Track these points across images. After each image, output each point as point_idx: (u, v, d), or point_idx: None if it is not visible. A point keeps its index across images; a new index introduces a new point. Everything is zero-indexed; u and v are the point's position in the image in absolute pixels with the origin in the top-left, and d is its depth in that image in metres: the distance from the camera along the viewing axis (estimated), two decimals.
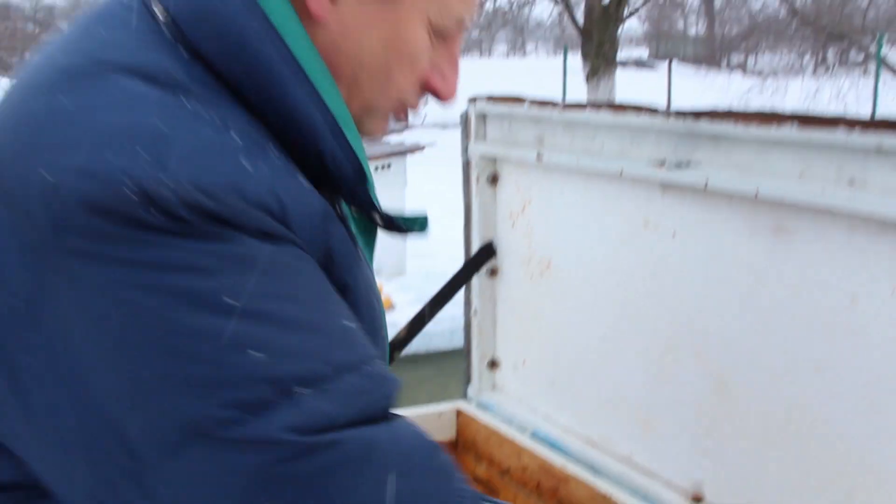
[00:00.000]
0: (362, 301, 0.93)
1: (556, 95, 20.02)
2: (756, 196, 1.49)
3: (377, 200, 0.97)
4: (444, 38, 0.98)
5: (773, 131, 1.45)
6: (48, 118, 0.79)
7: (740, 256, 1.58)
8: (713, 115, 1.56)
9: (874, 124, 1.32)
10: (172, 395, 0.74)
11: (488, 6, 14.76)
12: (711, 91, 20.19)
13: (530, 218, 2.08)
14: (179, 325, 0.74)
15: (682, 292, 1.71)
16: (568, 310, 2.04)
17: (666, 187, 1.69)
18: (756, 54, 28.29)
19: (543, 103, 1.99)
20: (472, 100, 2.22)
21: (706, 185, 1.55)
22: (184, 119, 0.80)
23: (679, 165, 1.61)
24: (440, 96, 1.03)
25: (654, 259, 1.76)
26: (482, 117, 2.21)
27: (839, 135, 1.36)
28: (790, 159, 1.47)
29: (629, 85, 19.10)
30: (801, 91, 19.74)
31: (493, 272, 2.27)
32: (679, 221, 1.68)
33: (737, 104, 19.08)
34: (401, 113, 1.03)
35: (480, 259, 2.23)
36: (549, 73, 22.04)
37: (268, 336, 0.76)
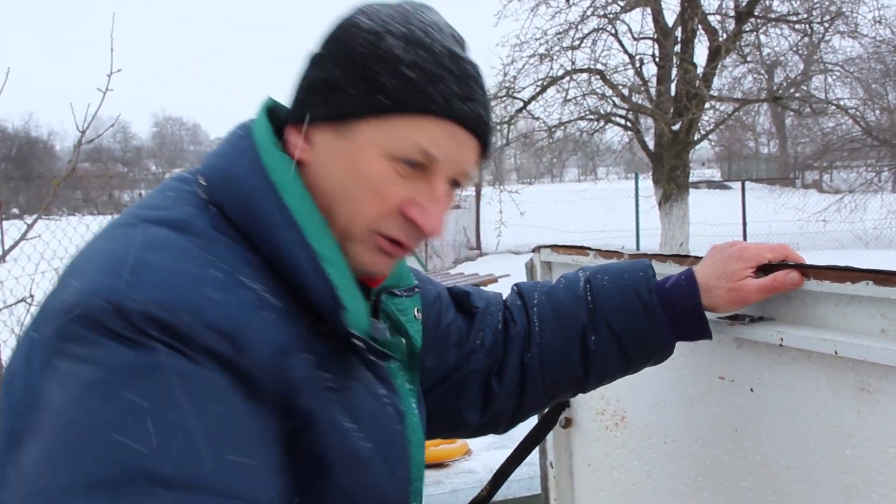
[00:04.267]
0: (333, 427, 1.07)
1: (629, 220, 20.00)
2: (836, 354, 1.43)
3: (362, 329, 1.10)
4: (421, 169, 1.11)
5: (849, 287, 1.41)
6: (81, 256, 1.04)
7: (824, 415, 1.50)
8: (785, 269, 1.52)
9: None
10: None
11: (559, 133, 14.97)
12: (786, 210, 19.94)
13: None
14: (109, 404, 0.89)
15: (765, 450, 1.63)
16: (645, 464, 1.97)
17: (741, 341, 1.64)
18: (831, 172, 27.99)
19: (609, 252, 1.97)
20: (537, 248, 2.22)
21: (781, 342, 1.50)
22: (178, 256, 1.00)
23: (753, 321, 1.57)
24: (422, 228, 1.13)
25: (732, 415, 1.69)
26: (547, 266, 2.20)
27: None
28: (868, 316, 1.41)
29: (702, 206, 19.01)
30: (880, 208, 19.34)
31: (567, 422, 2.22)
32: (756, 377, 1.62)
33: (814, 222, 18.77)
34: (387, 245, 1.14)
35: (555, 410, 2.18)
36: (621, 196, 22.15)
37: (150, 436, 0.87)
